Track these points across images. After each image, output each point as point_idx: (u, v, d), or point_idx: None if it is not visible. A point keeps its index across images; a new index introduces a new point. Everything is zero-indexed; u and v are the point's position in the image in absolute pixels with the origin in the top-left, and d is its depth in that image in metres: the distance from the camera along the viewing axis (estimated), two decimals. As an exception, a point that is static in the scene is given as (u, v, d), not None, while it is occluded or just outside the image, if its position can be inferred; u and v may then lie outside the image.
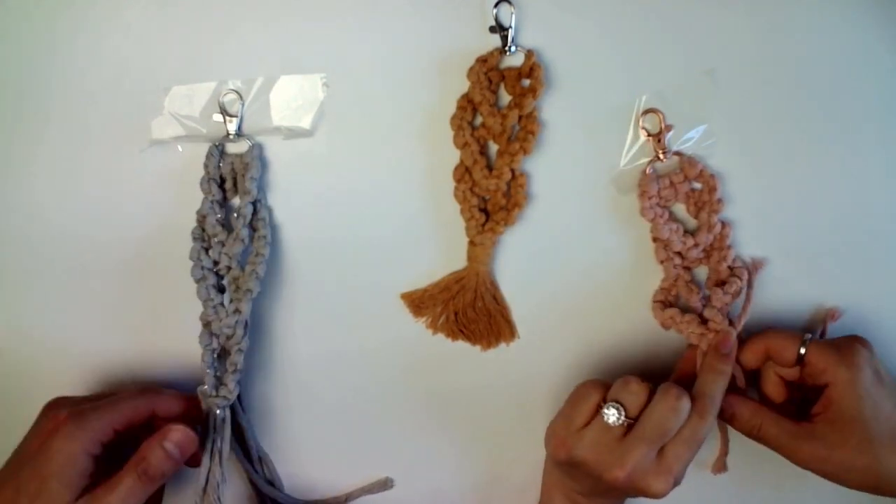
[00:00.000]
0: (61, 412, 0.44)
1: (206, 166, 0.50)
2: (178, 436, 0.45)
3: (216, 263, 0.50)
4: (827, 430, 0.43)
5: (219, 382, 0.48)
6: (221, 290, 0.50)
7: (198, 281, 0.49)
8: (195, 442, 0.46)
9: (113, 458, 0.44)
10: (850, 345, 0.44)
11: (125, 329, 0.53)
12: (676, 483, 0.43)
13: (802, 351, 0.44)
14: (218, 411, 0.48)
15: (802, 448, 0.43)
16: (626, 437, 0.43)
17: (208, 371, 0.48)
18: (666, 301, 0.48)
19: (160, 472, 0.44)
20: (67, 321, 0.53)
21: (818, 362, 0.43)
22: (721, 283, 0.47)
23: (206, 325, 0.49)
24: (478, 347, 0.51)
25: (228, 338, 0.49)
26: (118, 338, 0.53)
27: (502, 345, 0.51)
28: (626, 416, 0.43)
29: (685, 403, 0.43)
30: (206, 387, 0.48)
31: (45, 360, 0.53)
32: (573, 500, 0.47)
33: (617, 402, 0.43)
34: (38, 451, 0.42)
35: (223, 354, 0.49)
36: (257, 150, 0.50)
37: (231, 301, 0.49)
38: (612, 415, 0.43)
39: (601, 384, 0.45)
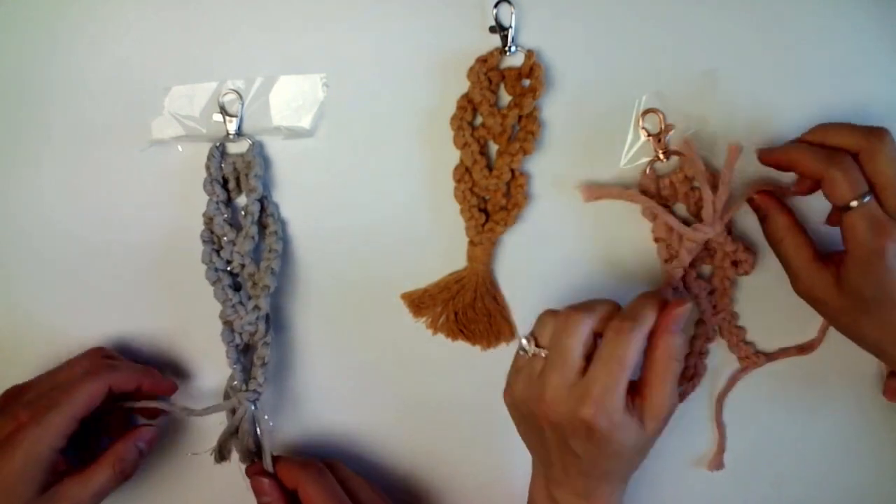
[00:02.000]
0: (20, 412, 0.44)
1: (207, 168, 0.50)
2: (150, 436, 0.49)
3: (228, 263, 0.50)
4: (845, 274, 0.39)
5: (247, 376, 0.49)
6: (236, 287, 0.50)
7: (213, 283, 0.49)
8: (156, 438, 0.49)
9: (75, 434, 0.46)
10: (890, 228, 0.37)
11: (126, 329, 0.53)
12: (658, 415, 0.40)
13: (854, 204, 0.38)
14: (250, 405, 0.49)
15: (813, 281, 0.40)
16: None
17: (235, 367, 0.49)
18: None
19: (134, 469, 0.48)
20: (67, 322, 0.53)
21: (855, 228, 0.38)
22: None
23: (227, 323, 0.49)
24: (478, 347, 0.51)
25: (252, 334, 0.49)
26: (118, 338, 0.53)
27: (502, 345, 0.51)
28: (538, 346, 0.42)
29: (579, 320, 0.40)
30: (235, 382, 0.49)
31: (45, 362, 0.53)
32: (550, 496, 0.44)
33: (531, 335, 0.42)
34: (1, 452, 0.43)
35: (246, 350, 0.50)
36: (258, 149, 0.50)
37: (250, 298, 0.49)
38: (522, 348, 0.42)
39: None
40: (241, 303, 0.49)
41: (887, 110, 0.47)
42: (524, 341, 0.42)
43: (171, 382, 0.51)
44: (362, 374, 0.52)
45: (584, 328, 0.40)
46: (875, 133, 0.39)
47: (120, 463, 0.46)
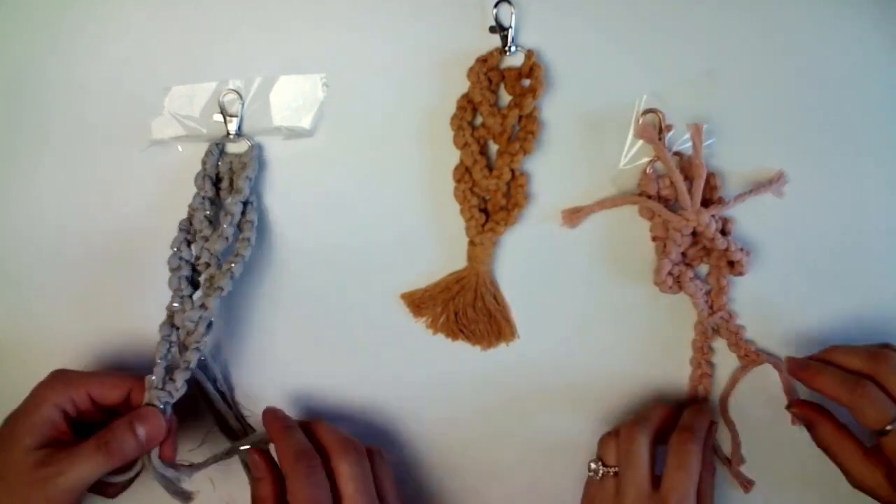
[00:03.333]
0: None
1: (203, 163, 0.50)
2: (149, 421, 0.44)
3: (197, 258, 0.49)
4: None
5: (168, 377, 0.46)
6: (196, 285, 0.49)
7: (172, 270, 0.48)
8: (164, 432, 0.45)
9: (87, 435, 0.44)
10: None
11: (126, 329, 0.53)
12: None
13: (889, 427, 0.41)
14: (161, 406, 0.45)
15: (862, 477, 0.42)
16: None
17: (159, 362, 0.46)
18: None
19: (122, 451, 0.43)
20: (67, 322, 0.53)
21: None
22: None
23: (170, 315, 0.48)
24: (478, 347, 0.51)
25: (189, 333, 0.47)
26: (118, 338, 0.53)
27: (502, 345, 0.51)
28: (605, 466, 0.45)
29: (642, 434, 0.44)
30: (153, 377, 0.46)
31: (44, 360, 0.53)
32: None
33: (597, 458, 0.46)
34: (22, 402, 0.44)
35: (178, 348, 0.48)
36: (257, 151, 0.50)
37: (200, 294, 0.48)
38: (592, 471, 0.46)
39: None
40: (190, 297, 0.48)
41: (887, 110, 0.47)
42: (593, 465, 0.46)
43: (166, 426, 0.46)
44: (362, 375, 0.52)
45: (647, 441, 0.44)
46: (881, 356, 0.42)
47: (106, 436, 0.43)
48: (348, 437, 0.46)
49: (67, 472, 0.42)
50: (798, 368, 0.44)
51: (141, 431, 0.44)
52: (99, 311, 0.53)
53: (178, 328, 0.48)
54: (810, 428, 0.45)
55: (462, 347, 0.51)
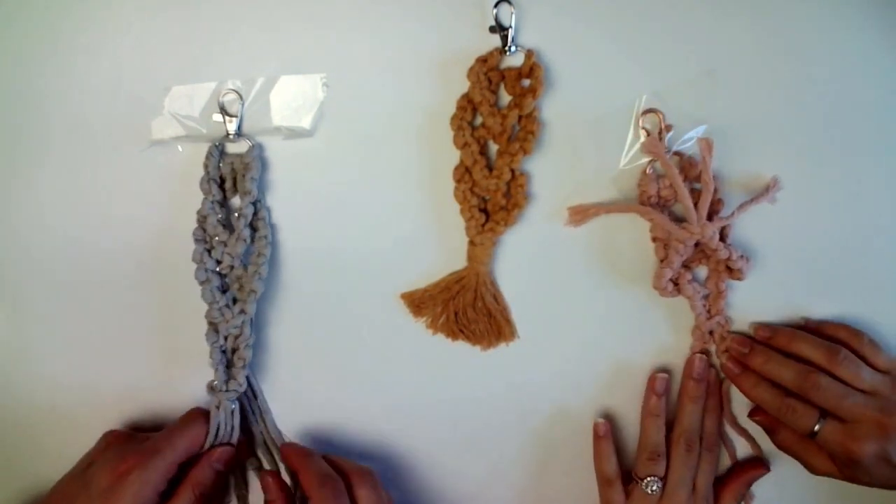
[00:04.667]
0: (129, 456, 0.46)
1: (205, 166, 0.50)
2: (226, 456, 0.49)
3: (219, 263, 0.50)
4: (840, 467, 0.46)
5: (228, 377, 0.49)
6: (224, 289, 0.50)
7: (202, 283, 0.49)
8: (232, 453, 0.49)
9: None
10: (860, 441, 0.44)
11: (124, 328, 0.53)
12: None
13: (816, 428, 0.45)
14: (230, 404, 0.49)
15: (823, 469, 0.46)
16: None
17: (218, 367, 0.49)
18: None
19: (213, 489, 0.48)
20: (66, 321, 0.53)
21: (829, 443, 0.45)
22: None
23: (212, 324, 0.49)
24: (478, 347, 0.51)
25: (236, 337, 0.50)
26: (117, 337, 0.53)
27: (502, 345, 0.51)
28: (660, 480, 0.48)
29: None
30: (216, 381, 0.49)
31: (44, 360, 0.53)
32: None
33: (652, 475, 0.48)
34: (110, 491, 0.45)
35: (229, 350, 0.50)
36: (257, 150, 0.50)
37: (236, 302, 0.50)
38: (649, 484, 0.48)
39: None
40: (227, 306, 0.49)
41: (887, 111, 0.47)
42: (648, 479, 0.49)
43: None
44: (363, 375, 0.52)
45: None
46: (832, 351, 0.46)
47: (198, 487, 0.47)
48: (362, 465, 0.48)
49: None
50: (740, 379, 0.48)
51: (218, 465, 0.49)
52: (98, 311, 0.53)
53: (224, 335, 0.49)
54: (771, 433, 0.49)
55: (462, 347, 0.51)
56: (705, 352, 0.49)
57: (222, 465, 0.49)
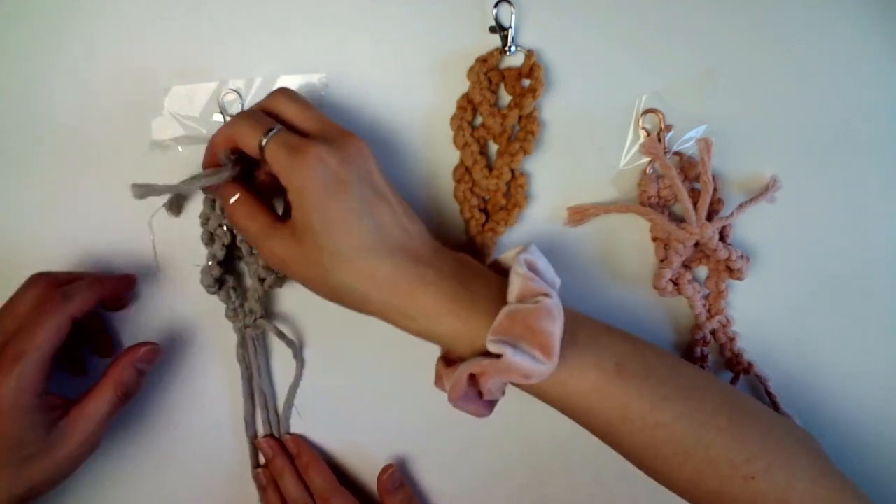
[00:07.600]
0: (51, 286, 0.44)
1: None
2: (149, 356, 0.47)
3: (220, 264, 0.50)
4: (290, 233, 0.40)
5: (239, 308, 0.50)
6: (222, 284, 0.50)
7: (213, 290, 0.49)
8: (158, 352, 0.47)
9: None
10: (307, 148, 0.38)
11: (125, 328, 0.53)
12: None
13: (264, 142, 0.39)
14: (250, 331, 0.50)
15: (270, 247, 0.41)
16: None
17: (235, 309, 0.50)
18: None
19: (136, 389, 0.46)
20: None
21: (274, 162, 0.39)
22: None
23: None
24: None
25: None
26: (116, 337, 0.53)
27: (502, 345, 0.51)
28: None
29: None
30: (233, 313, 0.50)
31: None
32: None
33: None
34: (27, 318, 0.43)
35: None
36: (257, 150, 0.50)
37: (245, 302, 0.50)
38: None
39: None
40: (241, 305, 0.50)
41: (888, 112, 0.47)
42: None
43: (130, 277, 0.50)
44: (362, 373, 0.52)
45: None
46: (270, 97, 0.42)
47: (121, 388, 0.45)
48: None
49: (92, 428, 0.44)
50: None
51: (142, 365, 0.46)
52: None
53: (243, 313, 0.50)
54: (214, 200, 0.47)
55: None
56: None
57: (146, 365, 0.46)
